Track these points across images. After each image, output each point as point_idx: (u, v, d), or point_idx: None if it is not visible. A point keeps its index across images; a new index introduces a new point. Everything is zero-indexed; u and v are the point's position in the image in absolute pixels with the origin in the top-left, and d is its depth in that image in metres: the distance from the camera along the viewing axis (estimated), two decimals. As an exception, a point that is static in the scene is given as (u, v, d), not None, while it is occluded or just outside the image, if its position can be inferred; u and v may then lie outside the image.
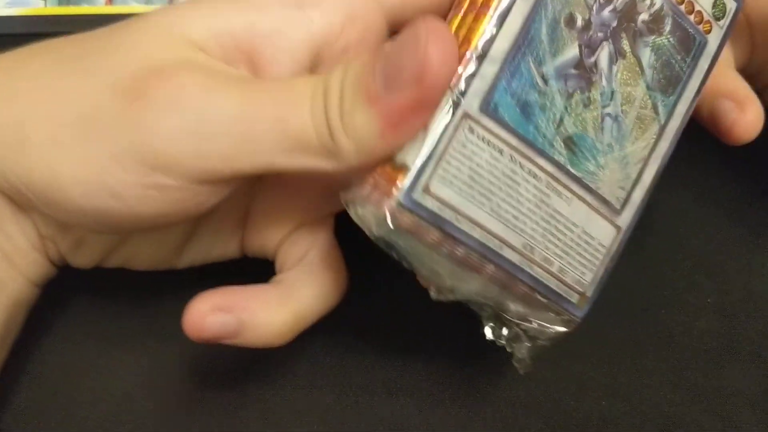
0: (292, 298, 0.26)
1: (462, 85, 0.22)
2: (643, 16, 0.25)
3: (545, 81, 0.23)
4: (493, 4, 0.22)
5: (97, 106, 0.23)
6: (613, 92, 0.24)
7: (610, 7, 0.24)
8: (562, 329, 0.26)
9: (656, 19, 0.25)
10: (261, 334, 0.25)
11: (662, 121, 0.26)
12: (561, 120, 0.24)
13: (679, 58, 0.25)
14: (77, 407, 0.29)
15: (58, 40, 0.25)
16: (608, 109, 0.24)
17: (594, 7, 0.24)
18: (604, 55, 0.24)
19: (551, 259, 0.24)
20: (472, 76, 0.22)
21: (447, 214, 0.22)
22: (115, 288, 0.31)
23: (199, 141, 0.22)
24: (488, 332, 0.26)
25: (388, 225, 0.22)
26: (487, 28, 0.22)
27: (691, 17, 0.25)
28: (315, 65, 0.25)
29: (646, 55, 0.25)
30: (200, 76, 0.23)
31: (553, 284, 0.25)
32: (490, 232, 0.23)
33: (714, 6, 0.26)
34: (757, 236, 0.34)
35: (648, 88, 0.25)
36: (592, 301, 0.26)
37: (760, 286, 0.33)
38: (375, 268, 0.32)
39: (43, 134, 0.23)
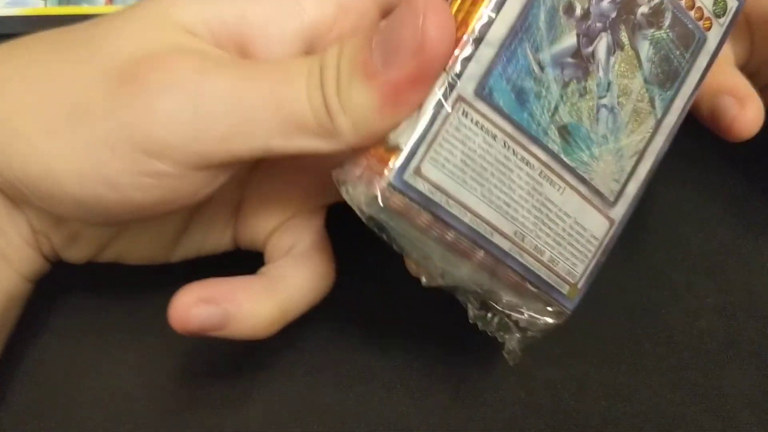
0: (278, 289, 0.25)
1: (457, 68, 0.22)
2: (643, 9, 0.25)
3: (541, 68, 0.23)
4: None
5: (89, 93, 0.22)
6: (609, 83, 0.24)
7: None
8: (553, 321, 0.25)
9: (656, 13, 0.25)
10: (247, 326, 0.25)
11: (659, 116, 0.25)
12: (556, 108, 0.23)
13: (677, 53, 0.25)
14: (77, 407, 0.29)
15: (51, 31, 0.25)
16: (604, 100, 0.24)
17: None
18: (602, 45, 0.24)
19: (542, 248, 0.24)
20: (468, 59, 0.22)
21: (438, 198, 0.22)
22: (112, 284, 0.31)
23: (195, 124, 0.22)
24: (471, 315, 0.26)
25: (378, 205, 0.22)
26: (484, 12, 0.22)
27: (692, 13, 0.25)
28: (307, 55, 0.24)
29: (645, 49, 0.25)
30: (194, 60, 0.22)
31: (543, 273, 0.25)
32: (481, 218, 0.23)
33: (715, 3, 0.26)
34: (757, 236, 0.34)
35: (645, 81, 0.25)
36: (583, 293, 0.26)
37: (760, 286, 0.33)
38: (373, 262, 0.32)
39: (35, 125, 0.23)
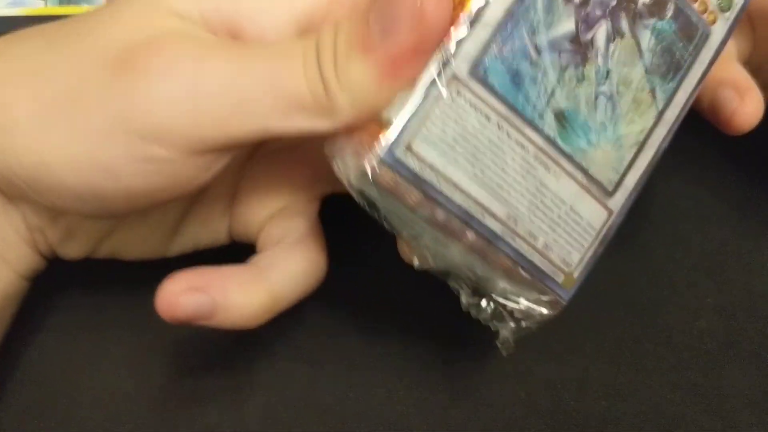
0: (268, 279, 0.25)
1: (452, 47, 0.22)
2: None
3: (538, 52, 0.23)
4: None
5: (84, 81, 0.22)
6: (608, 71, 0.24)
7: None
8: (548, 312, 0.25)
9: (658, 3, 0.25)
10: (236, 315, 0.24)
11: (660, 107, 0.25)
12: (552, 93, 0.23)
13: (680, 45, 0.25)
14: (76, 407, 0.29)
15: (45, 25, 0.25)
16: (603, 88, 0.24)
17: None
18: (601, 32, 0.24)
19: (535, 233, 0.24)
20: (464, 39, 0.22)
21: (428, 175, 0.22)
22: (109, 282, 0.31)
23: (193, 107, 0.22)
24: (464, 302, 0.25)
25: (368, 180, 0.22)
26: None
27: (695, 5, 0.25)
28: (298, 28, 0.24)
29: (646, 38, 0.25)
30: (189, 44, 0.22)
31: (536, 259, 0.24)
32: (472, 198, 0.23)
33: None
34: (757, 236, 0.34)
35: (646, 71, 0.25)
36: (579, 283, 0.25)
37: (760, 286, 0.33)
38: (373, 261, 0.32)
39: (29, 115, 0.23)
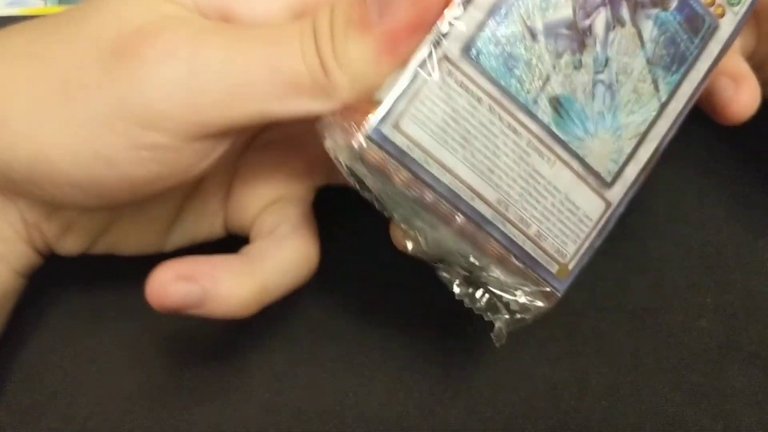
0: (258, 269, 0.25)
1: (444, 27, 0.22)
2: None
3: (533, 36, 0.23)
4: None
5: (80, 70, 0.22)
6: (607, 59, 0.24)
7: None
8: (542, 304, 0.25)
9: None
10: (225, 305, 0.24)
11: (663, 99, 0.25)
12: (548, 78, 0.23)
13: (685, 37, 0.25)
14: (76, 407, 0.29)
15: (42, 18, 0.25)
16: (601, 76, 0.24)
17: None
18: (600, 20, 0.24)
19: (528, 220, 0.24)
20: (457, 19, 0.22)
21: (416, 155, 0.22)
22: (109, 281, 0.31)
23: (191, 92, 0.22)
24: (457, 291, 0.25)
25: (356, 157, 0.22)
26: None
27: None
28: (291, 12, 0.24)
29: (648, 28, 0.24)
30: (185, 28, 0.22)
31: (528, 247, 0.24)
32: (461, 180, 0.23)
33: None
34: (757, 236, 0.34)
35: (648, 62, 0.24)
36: (575, 275, 0.25)
37: (760, 286, 0.33)
38: (374, 261, 0.32)
39: (25, 108, 0.23)
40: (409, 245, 0.24)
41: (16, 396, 0.29)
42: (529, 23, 0.23)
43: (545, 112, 0.23)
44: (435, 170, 0.22)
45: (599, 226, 0.25)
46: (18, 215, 0.26)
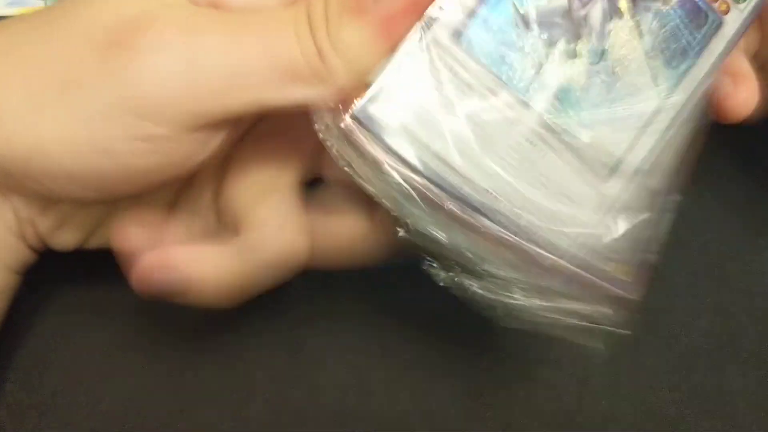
0: (244, 260, 0.25)
1: (435, 12, 0.22)
2: None
3: (526, 23, 0.23)
4: None
5: (75, 63, 0.22)
6: (603, 51, 0.24)
7: None
8: (620, 310, 0.24)
9: None
10: (207, 293, 0.24)
11: (662, 93, 0.24)
12: (540, 67, 0.23)
13: (686, 32, 0.25)
14: (76, 407, 0.29)
15: (29, 14, 0.25)
16: (597, 68, 0.24)
17: None
18: (596, 10, 0.23)
19: (519, 209, 0.23)
20: (447, 4, 0.22)
21: (403, 138, 0.22)
22: (109, 282, 0.31)
23: (188, 81, 0.22)
24: (441, 275, 0.24)
25: (343, 138, 0.22)
26: None
27: None
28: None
29: (647, 21, 0.24)
30: (180, 17, 0.22)
31: (522, 237, 0.23)
32: (449, 165, 0.23)
33: None
34: (757, 236, 0.34)
35: (647, 55, 0.24)
36: (640, 273, 0.24)
37: (760, 286, 0.33)
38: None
39: (20, 103, 0.23)
40: (400, 232, 0.24)
41: (16, 396, 0.29)
42: (522, 11, 0.23)
43: (537, 101, 0.23)
44: (422, 154, 0.22)
45: (653, 219, 0.24)
46: (11, 211, 0.26)
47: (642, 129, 0.24)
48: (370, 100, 0.22)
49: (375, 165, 0.22)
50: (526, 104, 0.23)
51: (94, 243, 0.28)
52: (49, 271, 0.28)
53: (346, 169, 0.23)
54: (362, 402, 0.30)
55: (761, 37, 0.32)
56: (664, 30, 0.24)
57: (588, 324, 0.24)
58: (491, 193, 0.23)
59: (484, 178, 0.23)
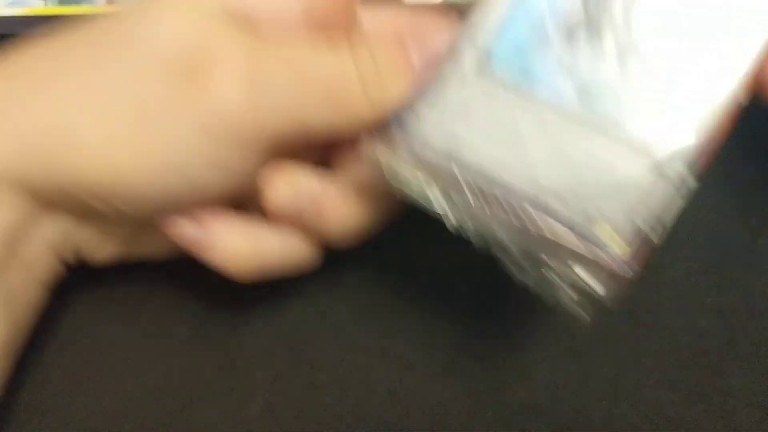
0: (260, 239, 0.27)
1: (462, 42, 0.23)
2: None
3: (546, 36, 0.24)
4: None
5: (152, 93, 0.24)
6: (630, 35, 0.24)
7: None
8: (603, 285, 0.24)
9: None
10: (224, 258, 0.26)
11: (704, 70, 0.24)
12: (572, 70, 0.24)
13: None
14: (76, 407, 0.29)
15: (76, 33, 0.25)
16: (627, 54, 0.24)
17: None
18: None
19: (569, 200, 0.23)
20: (472, 33, 0.24)
21: (443, 160, 0.23)
22: (109, 283, 0.31)
23: (259, 109, 0.24)
24: (519, 277, 0.25)
25: (392, 173, 0.24)
26: None
27: None
28: (309, 23, 0.26)
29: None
30: (246, 50, 0.24)
31: (578, 225, 0.23)
32: (490, 177, 0.24)
33: None
34: (757, 236, 0.34)
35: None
36: (637, 248, 0.24)
37: (760, 286, 0.33)
38: (374, 258, 0.32)
39: (98, 132, 0.24)
40: (452, 221, 0.25)
41: (16, 396, 0.29)
42: (541, 11, 0.23)
43: (569, 97, 0.24)
44: (463, 173, 0.23)
45: (659, 201, 0.24)
46: (53, 230, 0.26)
47: (696, 102, 0.24)
48: (410, 133, 0.23)
49: (428, 189, 0.24)
50: (557, 104, 0.24)
51: (133, 256, 0.29)
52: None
53: (401, 189, 0.24)
54: (362, 402, 0.30)
55: None
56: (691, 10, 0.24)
57: (579, 295, 0.24)
58: (532, 181, 0.24)
59: (523, 169, 0.24)
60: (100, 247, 0.28)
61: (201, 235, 0.26)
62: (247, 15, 0.25)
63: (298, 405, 0.30)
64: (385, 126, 0.24)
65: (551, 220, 0.24)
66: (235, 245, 0.26)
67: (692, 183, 0.24)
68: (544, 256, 0.24)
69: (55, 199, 0.25)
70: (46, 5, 0.36)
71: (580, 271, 0.24)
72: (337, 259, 0.31)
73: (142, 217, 0.27)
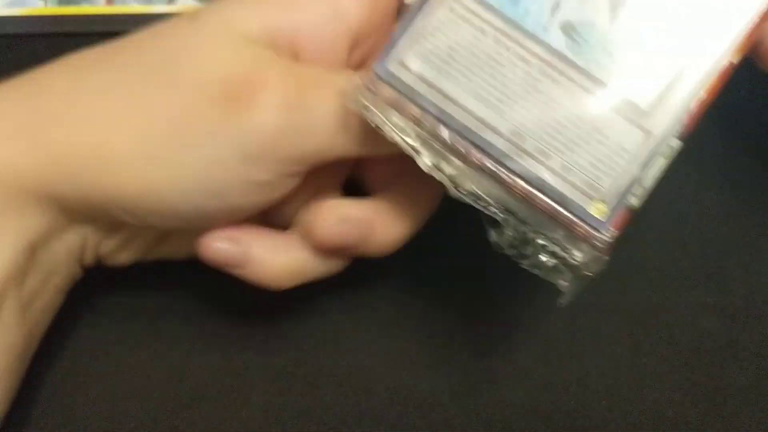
0: (299, 248, 0.27)
1: None
2: None
3: None
4: None
5: (190, 116, 0.24)
6: None
7: None
8: (585, 252, 0.23)
9: None
10: (262, 272, 0.27)
11: (708, 20, 0.23)
12: (557, 5, 0.23)
13: None
14: (77, 407, 0.29)
15: (105, 49, 0.26)
16: None
17: None
18: None
19: (548, 152, 0.23)
20: None
21: (423, 89, 0.23)
22: (111, 284, 0.31)
23: (296, 137, 0.24)
24: (493, 237, 0.23)
25: (369, 97, 0.23)
26: None
27: None
28: (352, 50, 0.27)
29: None
30: (288, 75, 0.25)
31: (552, 180, 0.22)
32: (470, 113, 0.23)
33: None
34: (757, 236, 0.34)
35: None
36: (617, 215, 0.23)
37: (760, 286, 0.33)
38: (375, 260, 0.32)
39: (134, 151, 0.24)
40: (451, 190, 0.23)
41: (16, 396, 0.29)
42: None
43: (558, 40, 0.23)
44: (443, 104, 0.23)
45: (640, 159, 0.23)
46: (77, 238, 0.27)
47: (687, 60, 0.23)
48: (389, 56, 0.23)
49: (405, 120, 0.23)
50: (544, 43, 0.23)
51: (153, 256, 0.29)
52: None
53: (382, 131, 0.23)
54: (362, 402, 0.30)
55: None
56: None
57: (559, 262, 0.23)
58: (515, 137, 0.23)
59: (506, 121, 0.23)
60: (123, 253, 0.28)
61: (238, 254, 0.26)
62: (289, 39, 0.25)
63: (298, 405, 0.30)
64: (368, 69, 0.24)
65: (526, 179, 0.23)
66: (274, 262, 0.27)
67: (676, 143, 0.23)
68: (519, 215, 0.23)
69: (83, 212, 0.25)
70: (46, 5, 0.36)
71: (557, 234, 0.23)
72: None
73: (172, 229, 0.27)
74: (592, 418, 0.30)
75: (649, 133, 0.23)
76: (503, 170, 0.23)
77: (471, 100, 0.23)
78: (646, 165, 0.23)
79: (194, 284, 0.31)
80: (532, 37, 0.23)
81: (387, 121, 0.23)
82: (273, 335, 0.31)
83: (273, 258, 0.27)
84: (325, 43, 0.26)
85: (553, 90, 0.23)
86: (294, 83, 0.25)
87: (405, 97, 0.23)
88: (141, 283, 0.31)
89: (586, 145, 0.23)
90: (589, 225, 0.23)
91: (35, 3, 0.36)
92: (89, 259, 0.28)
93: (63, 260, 0.27)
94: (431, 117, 0.23)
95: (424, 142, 0.23)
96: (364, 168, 0.29)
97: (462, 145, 0.23)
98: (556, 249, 0.23)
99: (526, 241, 0.23)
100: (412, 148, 0.23)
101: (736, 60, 0.23)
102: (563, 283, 0.23)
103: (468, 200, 0.23)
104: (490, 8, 0.23)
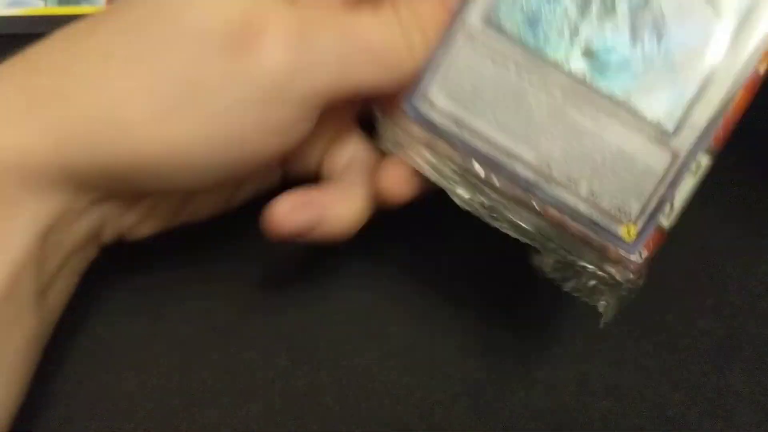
0: (361, 192, 0.27)
1: None
2: None
3: None
4: None
5: (201, 65, 0.24)
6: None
7: None
8: (616, 272, 0.23)
9: None
10: (338, 227, 0.27)
11: (730, 28, 0.22)
12: (576, 29, 0.23)
13: None
14: (77, 407, 0.29)
15: (95, 17, 0.25)
16: (642, 16, 0.22)
17: None
18: None
19: (577, 179, 0.23)
20: None
21: (450, 126, 0.23)
22: (111, 281, 0.31)
23: (312, 70, 0.24)
24: (536, 262, 0.24)
25: (399, 137, 0.24)
26: None
27: None
28: None
29: None
30: (292, 15, 0.25)
31: (582, 207, 0.23)
32: (498, 146, 0.23)
33: None
34: (757, 237, 0.34)
35: None
36: (648, 235, 0.23)
37: (760, 286, 0.33)
38: (374, 260, 0.32)
39: (147, 111, 0.24)
40: (487, 218, 0.24)
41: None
42: None
43: (580, 65, 0.23)
44: (470, 139, 0.23)
45: (668, 179, 0.23)
46: (97, 217, 0.26)
47: (709, 75, 0.23)
48: (416, 97, 0.23)
49: (435, 156, 0.24)
50: (566, 72, 0.23)
51: (176, 221, 0.29)
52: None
53: (430, 175, 0.24)
54: (362, 402, 0.30)
55: None
56: None
57: (597, 283, 0.24)
58: (542, 166, 0.23)
59: (532, 151, 0.23)
60: (146, 223, 0.28)
61: (314, 217, 0.26)
62: None
63: (298, 405, 0.30)
64: (397, 106, 0.24)
65: (557, 207, 0.23)
66: (349, 212, 0.27)
67: (706, 160, 0.23)
68: (555, 241, 0.23)
69: (103, 187, 0.25)
70: (46, 5, 0.36)
71: (592, 257, 0.23)
72: (336, 259, 0.31)
73: (198, 189, 0.27)
74: (593, 418, 0.30)
75: (676, 152, 0.23)
76: (534, 199, 0.23)
77: (498, 133, 0.23)
78: (674, 185, 0.23)
79: (194, 283, 0.31)
80: (554, 65, 0.23)
81: (420, 159, 0.24)
82: (273, 335, 0.31)
83: (344, 210, 0.27)
84: None
85: (576, 117, 0.23)
86: (296, 23, 0.25)
87: (434, 134, 0.23)
88: (140, 283, 0.31)
89: (612, 169, 0.23)
90: (621, 248, 0.23)
91: (35, 3, 0.36)
92: (109, 236, 0.27)
93: (81, 242, 0.26)
94: (461, 152, 0.23)
95: (459, 177, 0.24)
96: (374, 102, 0.28)
97: (493, 178, 0.23)
98: (594, 271, 0.23)
99: (567, 265, 0.24)
100: (448, 182, 0.24)
101: (762, 69, 0.23)
102: (603, 304, 0.24)
103: (507, 230, 0.24)
104: (509, 39, 0.23)
